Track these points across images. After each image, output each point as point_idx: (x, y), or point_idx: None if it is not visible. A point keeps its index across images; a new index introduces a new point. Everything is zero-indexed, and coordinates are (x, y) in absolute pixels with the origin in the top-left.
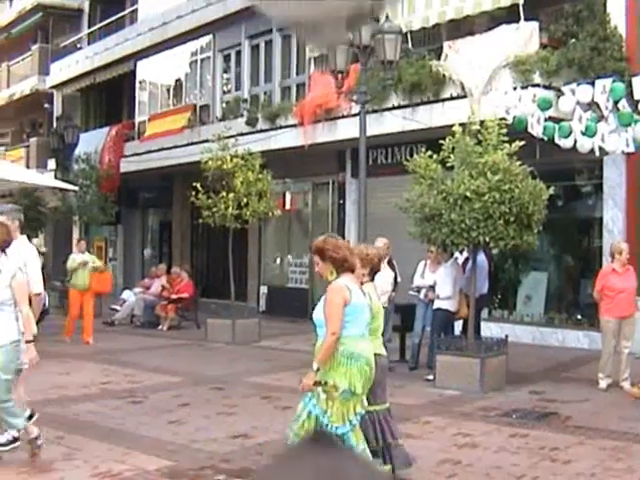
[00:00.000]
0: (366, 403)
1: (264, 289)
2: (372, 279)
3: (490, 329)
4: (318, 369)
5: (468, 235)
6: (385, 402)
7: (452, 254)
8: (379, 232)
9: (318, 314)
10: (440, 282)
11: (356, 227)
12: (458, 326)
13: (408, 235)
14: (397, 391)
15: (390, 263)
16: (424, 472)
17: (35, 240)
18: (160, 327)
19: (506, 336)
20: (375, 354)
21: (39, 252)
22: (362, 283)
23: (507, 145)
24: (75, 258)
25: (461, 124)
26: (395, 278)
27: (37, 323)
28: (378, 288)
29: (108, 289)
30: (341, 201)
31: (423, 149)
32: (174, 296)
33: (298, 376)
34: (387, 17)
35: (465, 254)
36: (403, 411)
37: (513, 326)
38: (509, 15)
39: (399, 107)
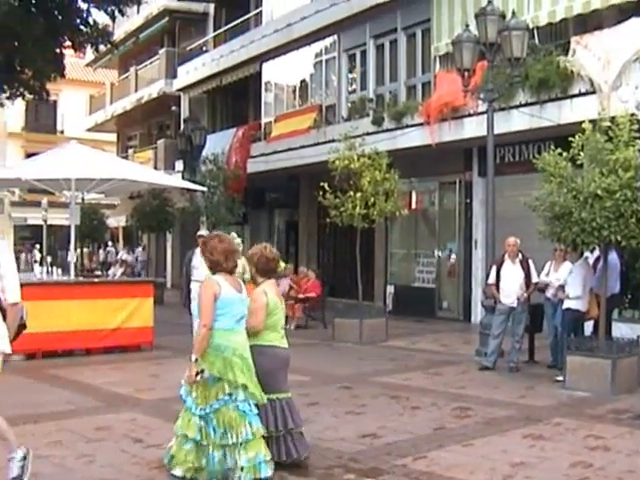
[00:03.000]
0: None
1: (391, 288)
2: (269, 277)
3: (620, 329)
4: (197, 359)
5: (599, 234)
6: (287, 391)
7: (582, 253)
8: (507, 231)
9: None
10: (570, 281)
11: (483, 226)
12: (589, 327)
13: (537, 234)
14: (527, 392)
15: (522, 262)
16: (555, 475)
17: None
18: (287, 326)
19: (638, 336)
20: (274, 346)
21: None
22: (256, 282)
23: (639, 141)
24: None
25: (591, 121)
26: (527, 278)
27: (12, 341)
28: (505, 289)
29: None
30: (468, 200)
31: (552, 146)
32: (301, 295)
33: (426, 376)
34: (513, 13)
35: (596, 253)
36: (533, 412)
37: None
38: (639, 7)
39: (526, 104)
